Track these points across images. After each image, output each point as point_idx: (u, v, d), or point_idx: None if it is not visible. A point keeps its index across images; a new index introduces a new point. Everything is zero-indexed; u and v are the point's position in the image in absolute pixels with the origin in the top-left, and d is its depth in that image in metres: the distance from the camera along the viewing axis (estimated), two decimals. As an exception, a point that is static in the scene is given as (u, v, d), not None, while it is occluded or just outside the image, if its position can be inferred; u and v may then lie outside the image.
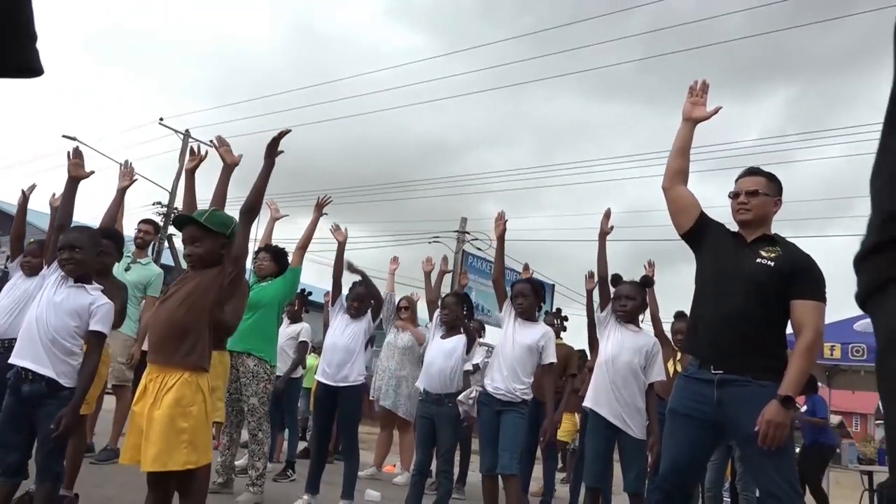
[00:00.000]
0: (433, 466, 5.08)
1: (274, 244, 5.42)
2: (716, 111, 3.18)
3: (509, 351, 4.34)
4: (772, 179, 3.07)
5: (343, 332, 4.79)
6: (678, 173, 3.17)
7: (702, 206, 3.16)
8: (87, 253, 3.16)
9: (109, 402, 6.35)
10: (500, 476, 4.30)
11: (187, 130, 22.72)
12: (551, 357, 4.38)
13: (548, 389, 4.48)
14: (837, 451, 9.01)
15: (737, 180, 3.11)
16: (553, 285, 21.94)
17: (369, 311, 4.86)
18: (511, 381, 4.27)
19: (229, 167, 3.17)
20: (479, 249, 21.81)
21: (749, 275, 2.92)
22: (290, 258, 5.20)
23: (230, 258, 2.72)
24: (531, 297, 4.47)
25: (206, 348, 2.68)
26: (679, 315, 5.88)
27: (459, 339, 4.65)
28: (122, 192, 4.26)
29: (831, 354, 8.19)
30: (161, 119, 22.38)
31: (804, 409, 8.06)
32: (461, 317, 4.74)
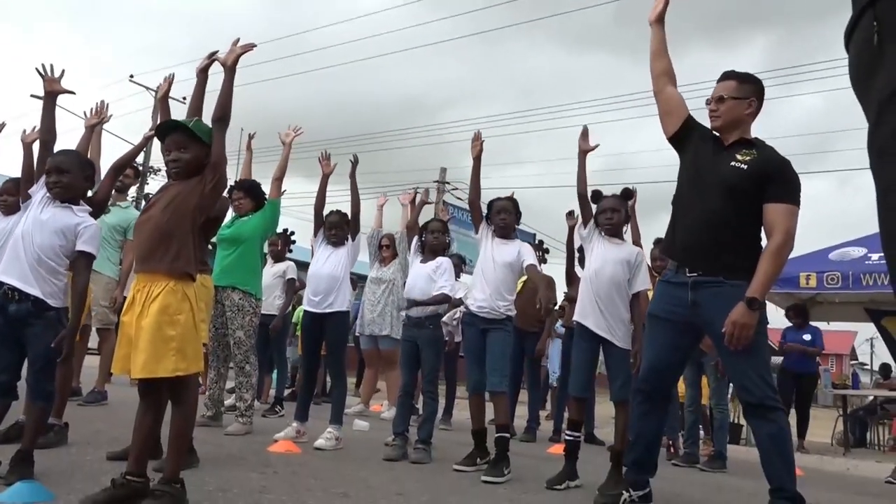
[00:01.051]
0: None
1: (247, 179, 5.40)
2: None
3: (490, 271, 4.38)
4: (743, 81, 3.07)
5: (326, 260, 4.82)
6: (662, 74, 3.21)
7: (688, 111, 3.19)
8: (75, 177, 3.13)
9: (92, 359, 6.37)
10: (487, 393, 4.38)
11: (172, 74, 22.27)
12: (530, 259, 4.37)
13: (534, 275, 4.43)
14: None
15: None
16: (534, 234, 22.02)
17: (349, 238, 4.89)
18: (494, 298, 4.32)
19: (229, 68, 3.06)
20: (460, 199, 21.78)
21: (722, 177, 2.96)
22: (266, 192, 5.21)
23: (210, 166, 2.71)
24: (512, 214, 4.47)
25: (192, 255, 2.68)
26: (658, 241, 5.96)
27: (439, 262, 4.68)
28: (90, 130, 4.18)
29: (807, 283, 8.35)
30: (131, 76, 21.98)
31: (807, 337, 8.36)
32: (445, 242, 4.77)
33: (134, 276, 3.77)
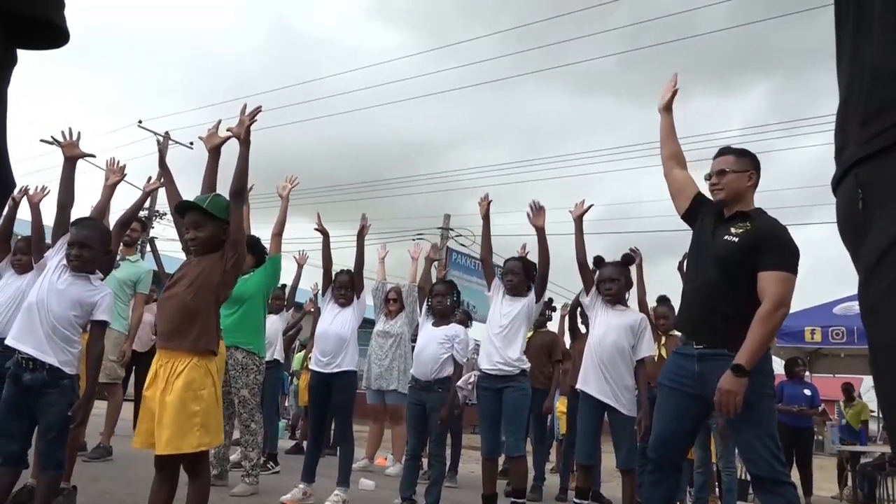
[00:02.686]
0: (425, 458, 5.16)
1: (249, 235, 5.40)
2: (674, 83, 3.34)
3: (497, 325, 4.39)
4: (740, 155, 3.14)
5: (333, 320, 4.83)
6: (669, 158, 3.32)
7: (697, 188, 3.26)
8: (96, 252, 3.18)
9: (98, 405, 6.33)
10: (494, 457, 4.37)
11: (167, 132, 22.56)
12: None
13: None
14: (820, 437, 9.19)
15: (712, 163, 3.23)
16: (537, 280, 22.08)
17: (355, 297, 4.90)
18: (505, 350, 4.32)
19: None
20: (464, 246, 21.88)
21: (716, 252, 3.04)
22: (266, 247, 5.20)
23: (229, 242, 2.77)
24: (521, 275, 4.48)
25: (215, 332, 2.74)
26: (661, 299, 5.99)
27: (455, 331, 4.66)
28: (111, 189, 4.23)
29: (812, 338, 8.36)
30: (140, 121, 22.22)
31: (807, 392, 8.32)
32: (451, 305, 4.77)
33: (143, 330, 3.78)
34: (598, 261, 4.34)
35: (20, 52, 0.97)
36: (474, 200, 4.70)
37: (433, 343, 4.64)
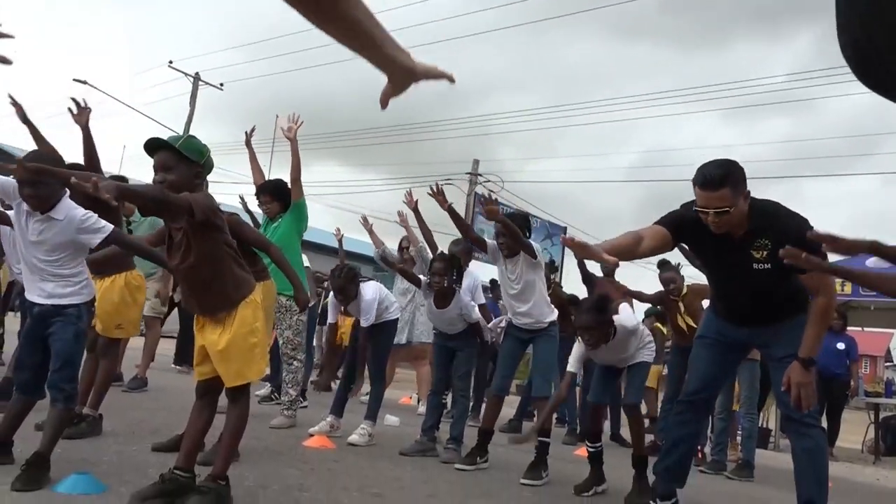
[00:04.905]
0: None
1: (271, 180, 5.33)
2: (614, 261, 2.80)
3: (512, 287, 4.43)
4: (734, 184, 2.82)
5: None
6: (642, 253, 2.96)
7: (662, 227, 3.01)
8: (52, 185, 2.93)
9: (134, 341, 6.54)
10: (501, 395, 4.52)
11: (197, 73, 22.58)
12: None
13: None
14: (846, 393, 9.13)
15: (696, 189, 2.88)
16: (565, 227, 21.96)
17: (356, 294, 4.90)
18: (530, 310, 4.40)
19: None
20: (492, 192, 21.75)
21: (752, 281, 2.97)
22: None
23: (205, 222, 2.61)
24: (507, 236, 4.34)
25: (239, 274, 2.78)
26: (661, 264, 5.85)
27: (457, 304, 4.63)
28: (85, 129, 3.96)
29: (842, 290, 8.27)
30: (171, 62, 22.17)
31: (840, 346, 8.25)
32: (450, 286, 4.63)
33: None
34: (573, 300, 4.30)
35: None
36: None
37: (444, 325, 4.73)
